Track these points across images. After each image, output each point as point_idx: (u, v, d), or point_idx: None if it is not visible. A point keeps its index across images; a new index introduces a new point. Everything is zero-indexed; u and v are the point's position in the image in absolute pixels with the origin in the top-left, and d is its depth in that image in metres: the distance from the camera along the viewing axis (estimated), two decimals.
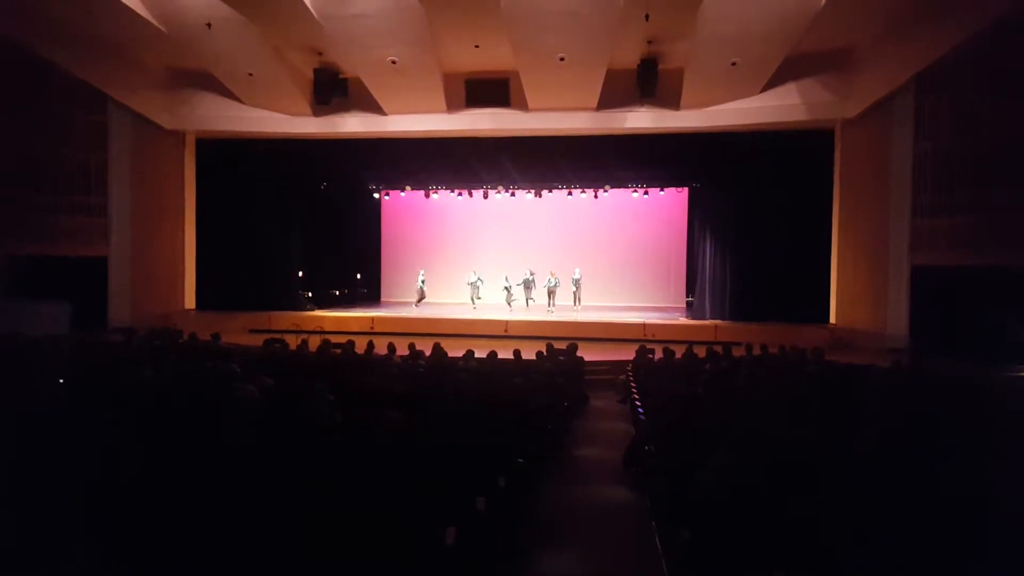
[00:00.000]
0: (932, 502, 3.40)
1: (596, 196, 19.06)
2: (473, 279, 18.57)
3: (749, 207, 15.68)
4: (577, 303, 18.17)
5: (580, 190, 18.95)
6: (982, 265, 11.58)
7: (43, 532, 3.18)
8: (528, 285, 18.34)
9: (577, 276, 18.26)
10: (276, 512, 3.39)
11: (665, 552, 4.48)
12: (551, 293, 18.21)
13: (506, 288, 18.34)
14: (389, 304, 20.53)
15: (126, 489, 3.60)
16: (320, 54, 14.23)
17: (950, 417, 5.51)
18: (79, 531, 3.25)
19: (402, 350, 10.34)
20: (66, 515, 3.34)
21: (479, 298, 18.60)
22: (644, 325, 15.28)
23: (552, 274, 18.25)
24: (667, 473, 4.65)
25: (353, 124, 15.73)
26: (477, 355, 9.95)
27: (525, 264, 18.75)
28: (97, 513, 3.39)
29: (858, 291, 14.30)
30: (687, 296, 18.71)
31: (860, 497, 3.48)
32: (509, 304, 18.22)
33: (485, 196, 19.25)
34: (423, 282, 18.74)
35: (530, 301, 18.37)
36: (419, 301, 18.67)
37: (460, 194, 19.52)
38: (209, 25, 12.06)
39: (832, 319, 14.96)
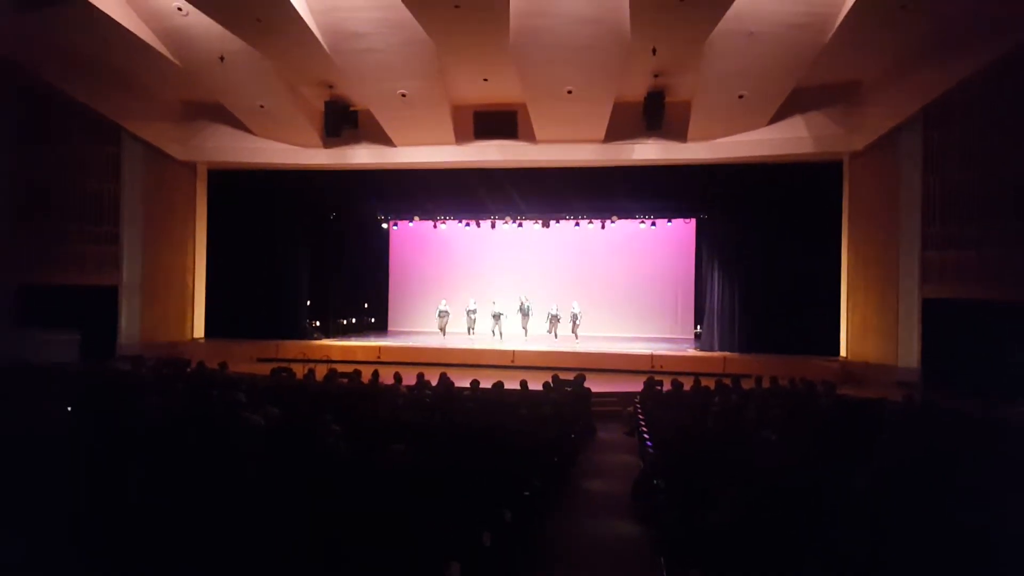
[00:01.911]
0: (945, 539, 3.33)
1: (603, 227, 19.11)
2: (472, 307, 18.88)
3: (757, 239, 15.66)
4: (575, 336, 18.17)
5: (587, 221, 19.03)
6: (994, 299, 11.51)
7: (49, 558, 3.17)
8: (525, 313, 18.54)
9: (576, 310, 18.28)
10: (279, 543, 3.35)
11: None
12: (552, 321, 18.36)
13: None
14: (396, 333, 20.52)
15: (130, 517, 3.58)
16: (331, 87, 14.43)
17: (963, 453, 5.42)
18: (84, 558, 3.24)
19: (409, 379, 10.30)
20: (72, 542, 3.32)
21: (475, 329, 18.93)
22: (652, 356, 15.20)
23: (555, 307, 18.45)
24: (676, 508, 4.58)
25: (363, 155, 15.87)
26: (484, 385, 9.91)
27: (533, 294, 18.86)
28: (102, 541, 3.37)
29: (868, 324, 14.20)
30: (695, 327, 18.62)
31: (874, 535, 3.42)
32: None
33: (493, 226, 19.36)
34: (441, 314, 18.82)
35: (525, 331, 18.44)
36: (443, 330, 18.79)
37: (468, 224, 19.63)
38: (222, 58, 12.27)
39: (842, 352, 14.84)
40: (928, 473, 4.61)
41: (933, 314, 12.72)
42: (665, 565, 4.77)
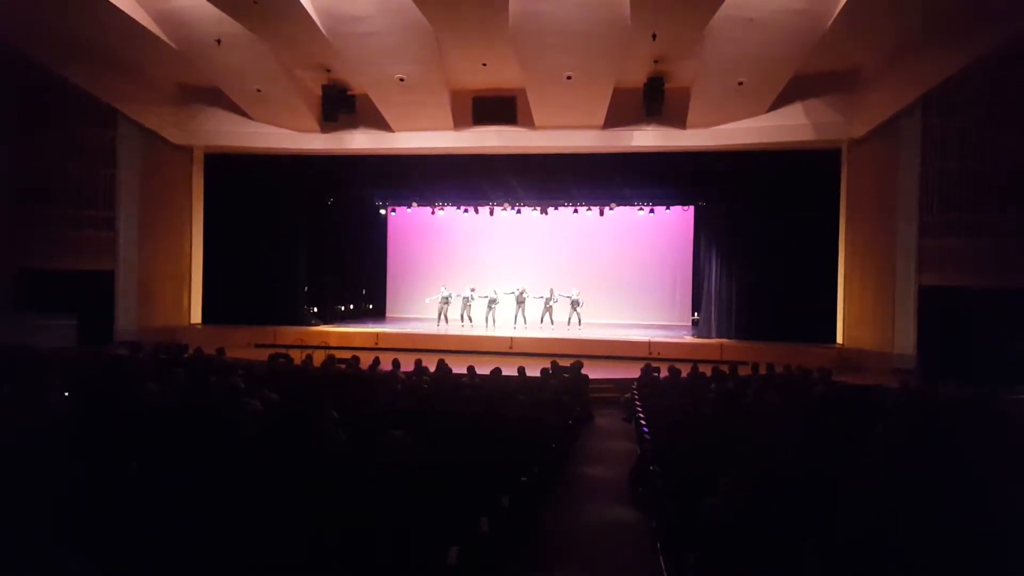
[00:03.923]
0: (944, 525, 3.35)
1: (602, 214, 19.05)
2: (467, 293, 18.46)
3: (755, 226, 15.62)
4: (577, 323, 17.91)
5: (586, 207, 18.96)
6: (990, 286, 11.55)
7: (46, 543, 3.18)
8: (520, 300, 18.11)
9: (575, 296, 17.94)
10: (278, 528, 3.37)
11: (670, 575, 4.42)
12: (547, 307, 18.07)
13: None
14: (394, 320, 20.52)
15: (128, 502, 3.59)
16: (328, 71, 14.33)
17: (960, 439, 5.46)
18: (81, 543, 3.25)
19: (407, 366, 10.32)
20: (69, 527, 3.33)
21: (471, 318, 18.46)
22: (649, 343, 15.23)
23: (551, 291, 18.05)
24: (673, 494, 4.61)
25: (360, 141, 15.80)
26: (481, 372, 9.93)
27: (530, 281, 18.75)
28: (99, 526, 3.38)
29: (865, 311, 14.23)
30: (693, 314, 18.64)
31: (871, 521, 3.44)
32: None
33: (491, 213, 19.31)
34: (443, 299, 18.28)
35: (519, 317, 17.97)
36: (444, 316, 18.27)
37: (466, 211, 19.58)
38: (219, 42, 12.18)
39: (839, 339, 14.88)
40: (925, 459, 4.64)
41: (929, 301, 12.74)
42: (662, 551, 4.81)
